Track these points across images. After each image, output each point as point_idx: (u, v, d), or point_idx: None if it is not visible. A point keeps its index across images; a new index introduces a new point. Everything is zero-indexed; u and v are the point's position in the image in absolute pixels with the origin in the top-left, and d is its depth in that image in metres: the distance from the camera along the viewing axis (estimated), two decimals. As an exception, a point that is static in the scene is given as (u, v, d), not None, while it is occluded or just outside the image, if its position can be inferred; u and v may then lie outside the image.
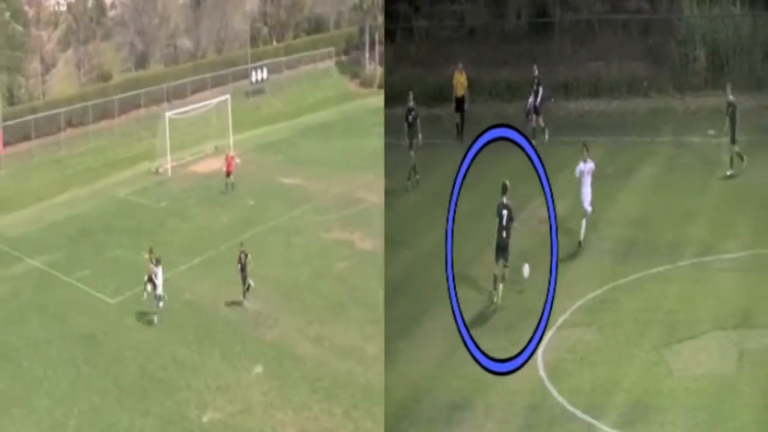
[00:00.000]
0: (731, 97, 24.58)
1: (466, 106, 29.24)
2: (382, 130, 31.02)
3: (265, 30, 67.61)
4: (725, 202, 24.27)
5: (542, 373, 16.94)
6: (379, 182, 29.34)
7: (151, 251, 28.00)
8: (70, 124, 50.09)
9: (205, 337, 26.56)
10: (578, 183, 19.93)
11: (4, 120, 46.47)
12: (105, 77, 56.42)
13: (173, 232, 35.84)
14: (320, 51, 65.45)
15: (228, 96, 47.92)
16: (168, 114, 44.74)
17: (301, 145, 47.12)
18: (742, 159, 24.71)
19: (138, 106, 53.58)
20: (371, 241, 32.07)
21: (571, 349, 17.97)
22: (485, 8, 33.65)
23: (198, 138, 47.45)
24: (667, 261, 21.01)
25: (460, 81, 29.45)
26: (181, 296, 29.44)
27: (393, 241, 23.62)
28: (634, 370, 17.08)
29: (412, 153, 26.71)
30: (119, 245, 34.36)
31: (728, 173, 24.80)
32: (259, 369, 24.56)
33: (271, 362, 24.88)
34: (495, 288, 19.18)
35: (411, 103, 26.66)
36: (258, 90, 58.35)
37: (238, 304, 28.42)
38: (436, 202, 17.95)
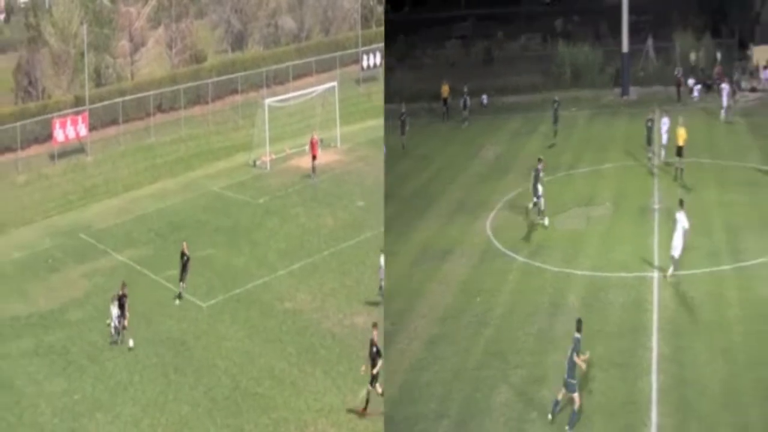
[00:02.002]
0: (556, 98, 46.27)
1: (449, 102, 52.26)
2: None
3: (379, 9, 68.37)
4: (580, 144, 45.17)
5: (489, 233, 33.64)
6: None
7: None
8: (160, 108, 52.19)
9: (307, 351, 27.24)
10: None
11: (91, 102, 48.63)
12: (198, 59, 58.44)
13: (272, 232, 36.79)
14: (442, 33, 66.00)
15: (335, 83, 48.85)
16: (267, 101, 45.78)
17: (419, 140, 47.95)
18: (555, 134, 45.09)
19: (234, 92, 55.29)
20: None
21: (502, 219, 35.10)
22: (461, 49, 65.95)
23: (301, 129, 48.49)
24: (550, 174, 37.15)
25: (445, 88, 52.27)
26: (281, 304, 30.32)
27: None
28: (535, 229, 33.36)
29: (403, 137, 46.24)
30: (212, 244, 35.53)
31: (551, 143, 44.71)
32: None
33: (382, 384, 24.97)
34: (537, 214, 33.84)
35: (403, 109, 46.64)
36: (370, 77, 59.26)
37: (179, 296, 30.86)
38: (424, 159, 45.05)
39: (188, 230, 36.83)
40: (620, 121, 48.37)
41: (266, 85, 55.60)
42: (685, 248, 27.47)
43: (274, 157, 45.11)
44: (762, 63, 51.03)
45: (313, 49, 60.84)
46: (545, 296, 27.54)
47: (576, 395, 20.36)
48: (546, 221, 33.15)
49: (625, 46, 51.98)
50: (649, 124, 38.86)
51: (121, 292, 28.20)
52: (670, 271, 27.33)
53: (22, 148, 46.00)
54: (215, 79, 54.32)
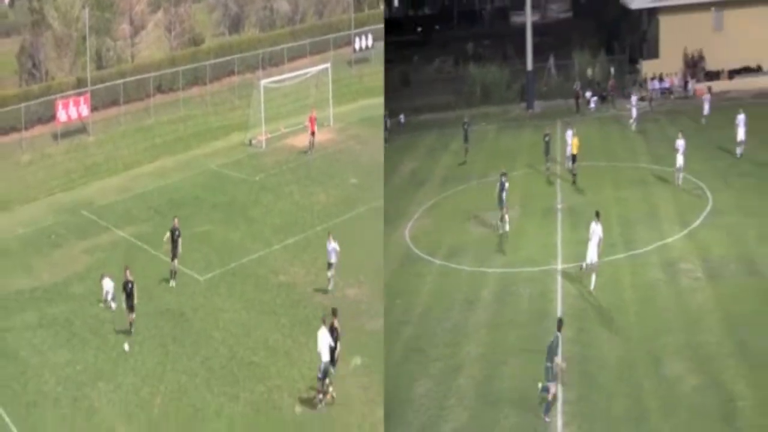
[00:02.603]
0: (466, 119, 46.71)
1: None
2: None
3: (374, -8, 68.05)
4: (490, 155, 46.39)
5: (408, 240, 35.03)
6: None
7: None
8: (159, 89, 51.88)
9: (300, 323, 27.11)
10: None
11: (92, 84, 48.30)
12: (196, 41, 58.10)
13: (267, 208, 36.61)
14: (433, 17, 65.59)
15: (328, 64, 48.47)
16: (263, 82, 45.46)
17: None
18: (466, 152, 45.67)
19: (231, 73, 54.96)
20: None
21: (420, 227, 36.64)
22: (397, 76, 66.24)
23: (295, 109, 48.22)
24: (463, 183, 41.52)
25: None
26: (275, 278, 30.22)
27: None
28: (450, 234, 34.92)
29: None
30: (209, 220, 35.39)
31: (463, 160, 45.56)
32: (357, 361, 24.69)
33: (372, 354, 25.09)
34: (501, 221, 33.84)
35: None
36: (362, 58, 58.89)
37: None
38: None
39: (187, 207, 36.67)
40: (526, 132, 49.91)
41: (262, 67, 55.21)
42: (586, 239, 28.53)
43: (269, 136, 44.83)
44: (649, 75, 54.63)
45: (307, 31, 60.30)
46: (460, 294, 28.71)
47: (552, 385, 21.25)
48: (507, 227, 33.37)
49: (529, 65, 55.25)
50: (547, 138, 40.28)
51: (125, 279, 27.02)
52: (593, 282, 27.59)
53: (26, 129, 45.79)
54: (213, 61, 53.96)
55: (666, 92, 53.69)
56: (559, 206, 35.42)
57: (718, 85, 51.89)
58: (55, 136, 46.27)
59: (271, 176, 40.26)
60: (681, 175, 35.93)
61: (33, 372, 25.33)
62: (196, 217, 35.37)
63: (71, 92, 47.54)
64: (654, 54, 55.11)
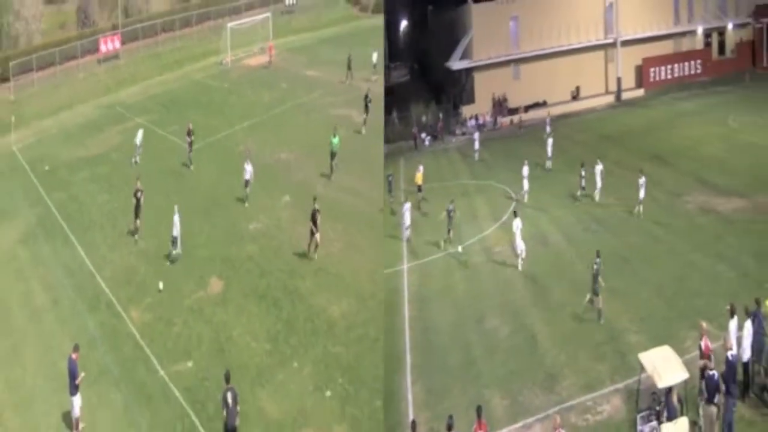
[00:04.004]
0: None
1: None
2: (378, 41, 35.91)
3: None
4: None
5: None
6: (378, 77, 33.51)
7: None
8: (164, 30, 45.03)
9: (253, 177, 23.79)
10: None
11: (122, 27, 41.89)
12: (188, -1, 50.49)
13: (232, 104, 32.55)
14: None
15: (269, 14, 42.79)
16: (229, 25, 39.96)
17: (319, 50, 42.07)
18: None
19: (209, 19, 47.90)
20: (366, 116, 29.05)
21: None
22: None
23: (249, 41, 42.21)
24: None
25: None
26: (237, 147, 26.86)
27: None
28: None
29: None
30: (196, 112, 31.03)
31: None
32: (287, 198, 22.50)
33: (296, 194, 22.66)
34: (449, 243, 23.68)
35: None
36: (290, 10, 51.59)
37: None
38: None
39: (181, 104, 32.25)
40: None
41: (229, 15, 48.29)
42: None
43: (233, 58, 39.61)
44: (468, 116, 44.94)
45: (257, -7, 53.17)
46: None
47: (600, 297, 16.68)
48: (460, 248, 23.43)
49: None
50: (390, 178, 30.12)
51: (136, 188, 20.57)
52: (520, 264, 20.78)
53: (81, 57, 39.36)
54: (198, 11, 46.74)
55: (481, 127, 42.56)
56: (407, 226, 24.69)
57: (517, 117, 42.76)
58: (99, 61, 39.89)
59: (234, 84, 35.59)
60: (526, 194, 26.83)
61: (87, 209, 22.37)
62: (188, 110, 31.13)
63: (109, 33, 40.91)
64: (471, 100, 44.70)
